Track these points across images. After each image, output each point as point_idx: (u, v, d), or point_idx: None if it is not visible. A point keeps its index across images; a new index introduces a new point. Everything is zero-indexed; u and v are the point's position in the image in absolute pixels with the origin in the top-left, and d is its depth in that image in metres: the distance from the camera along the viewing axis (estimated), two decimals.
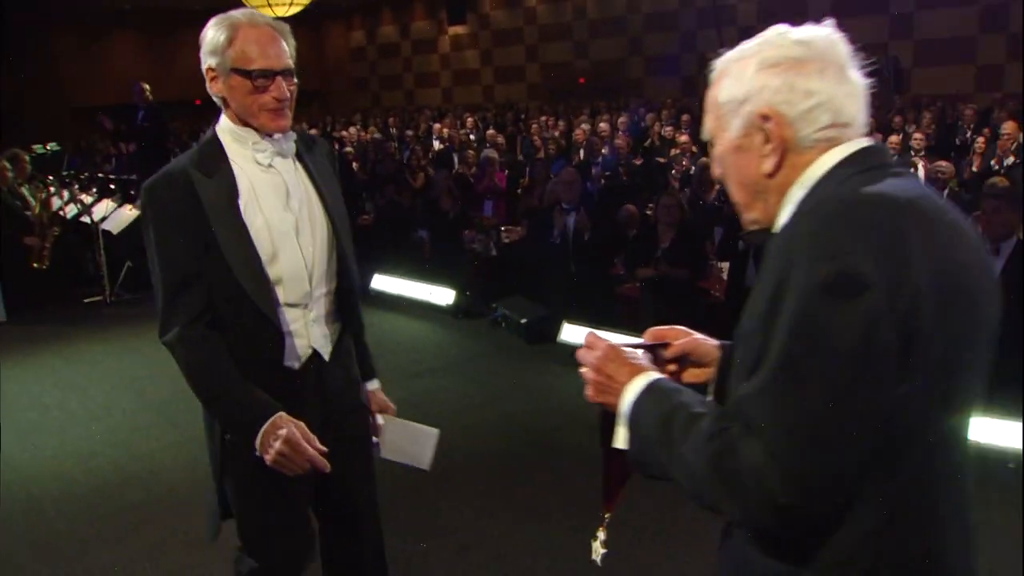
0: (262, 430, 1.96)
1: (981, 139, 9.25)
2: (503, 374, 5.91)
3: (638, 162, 10.18)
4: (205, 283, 2.02)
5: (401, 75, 25.30)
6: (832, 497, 1.12)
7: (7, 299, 7.76)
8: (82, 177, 9.79)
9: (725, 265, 6.20)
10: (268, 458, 1.94)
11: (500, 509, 3.97)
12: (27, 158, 8.74)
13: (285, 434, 1.93)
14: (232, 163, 2.08)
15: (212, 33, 2.01)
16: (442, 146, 13.14)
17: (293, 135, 2.17)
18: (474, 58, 23.19)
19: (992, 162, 8.62)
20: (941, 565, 1.22)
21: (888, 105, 14.01)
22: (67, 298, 8.40)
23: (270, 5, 15.84)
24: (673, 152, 10.27)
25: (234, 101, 2.04)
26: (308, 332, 2.17)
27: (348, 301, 2.29)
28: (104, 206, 8.67)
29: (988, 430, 3.97)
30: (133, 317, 7.66)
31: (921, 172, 8.24)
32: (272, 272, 2.08)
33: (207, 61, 2.03)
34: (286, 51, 2.05)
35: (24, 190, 8.34)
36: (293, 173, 2.16)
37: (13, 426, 5.15)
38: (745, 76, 1.27)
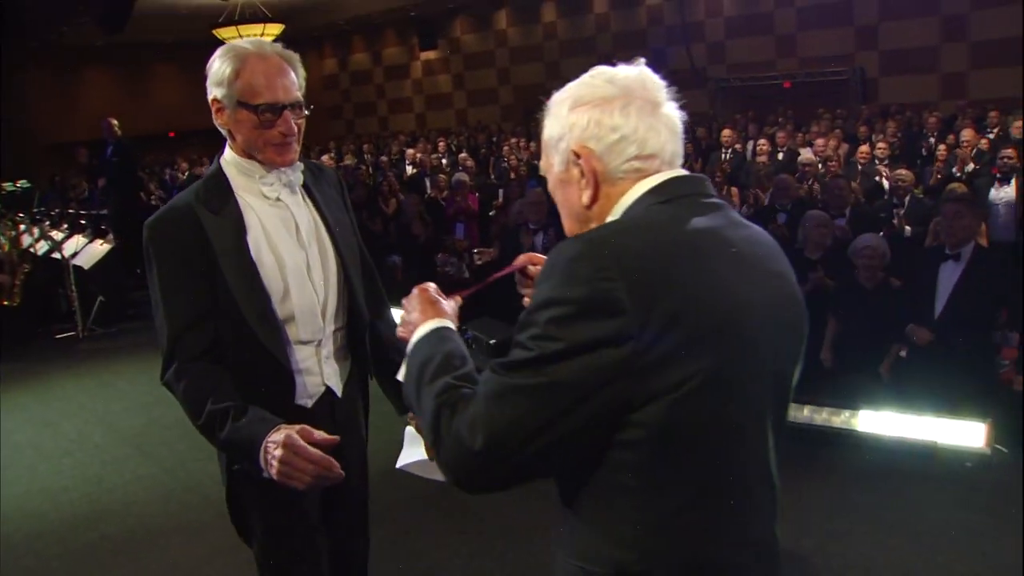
0: (262, 446, 1.82)
1: (943, 147, 9.40)
2: None
3: None
4: (211, 324, 1.95)
5: (375, 101, 25.40)
6: (513, 475, 1.25)
7: None
8: (53, 213, 9.78)
9: None
10: (273, 471, 1.79)
11: (470, 528, 3.99)
12: None
13: (282, 439, 1.78)
14: (238, 197, 2.02)
15: (218, 64, 1.95)
16: (414, 171, 13.20)
17: (300, 165, 2.11)
18: (446, 82, 23.32)
19: (954, 169, 8.75)
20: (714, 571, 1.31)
21: (856, 115, 14.22)
22: (39, 335, 8.39)
23: (241, 36, 15.95)
24: None
25: (240, 134, 1.99)
26: (321, 369, 2.12)
27: (358, 335, 2.22)
28: (75, 242, 8.65)
29: (947, 430, 4.05)
30: (106, 351, 7.67)
31: (885, 181, 8.37)
32: (284, 310, 2.01)
33: (212, 92, 1.96)
34: (295, 83, 2.00)
35: None
36: (301, 206, 2.11)
37: None
38: (561, 115, 1.38)
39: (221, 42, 14.48)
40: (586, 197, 1.37)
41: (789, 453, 4.27)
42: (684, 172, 1.38)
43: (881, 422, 4.18)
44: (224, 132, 2.03)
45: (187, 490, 4.56)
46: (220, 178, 2.03)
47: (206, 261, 1.93)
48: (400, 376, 1.49)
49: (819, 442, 4.41)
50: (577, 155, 1.35)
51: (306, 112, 2.03)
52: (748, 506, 1.33)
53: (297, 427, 1.82)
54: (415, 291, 1.60)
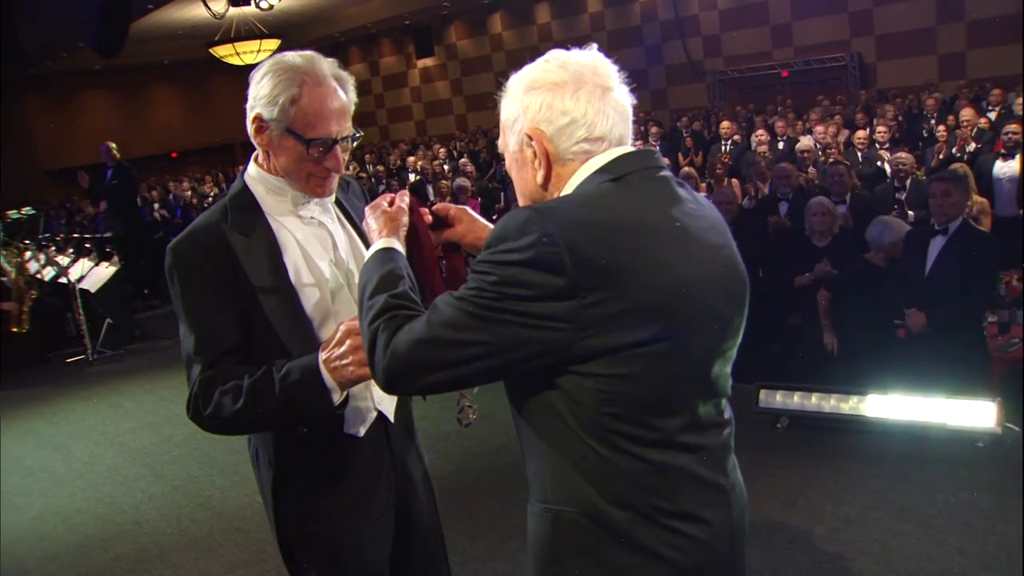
0: (320, 361, 1.71)
1: (942, 128, 9.34)
2: (478, 396, 5.92)
3: None
4: (243, 355, 1.79)
5: (374, 111, 25.45)
6: (421, 390, 1.40)
7: None
8: (58, 239, 9.84)
9: None
10: (352, 367, 1.69)
11: (480, 533, 3.98)
12: None
13: (340, 331, 1.71)
14: (269, 217, 1.86)
15: (271, 85, 1.76)
16: (416, 178, 13.22)
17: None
18: (445, 89, 23.36)
19: (954, 150, 8.70)
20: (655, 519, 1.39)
21: (854, 101, 14.17)
22: (49, 360, 8.46)
23: (238, 53, 16.00)
24: None
25: (281, 159, 1.82)
26: (370, 392, 1.93)
27: None
28: (81, 266, 8.71)
29: (957, 411, 4.02)
30: (115, 373, 7.71)
31: (887, 166, 8.33)
32: (326, 334, 1.82)
33: (257, 108, 1.78)
34: (349, 110, 1.83)
35: None
36: (336, 222, 1.97)
37: None
38: (516, 97, 1.44)
39: (218, 60, 14.47)
40: (539, 177, 1.45)
41: (800, 441, 4.28)
42: (632, 148, 1.44)
43: (889, 406, 4.15)
44: (259, 148, 1.87)
45: (199, 507, 4.56)
46: (247, 196, 1.87)
47: (237, 287, 1.78)
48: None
49: (829, 428, 4.39)
50: (530, 137, 1.43)
51: (355, 143, 1.88)
52: (704, 453, 1.42)
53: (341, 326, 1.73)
54: (381, 203, 1.72)
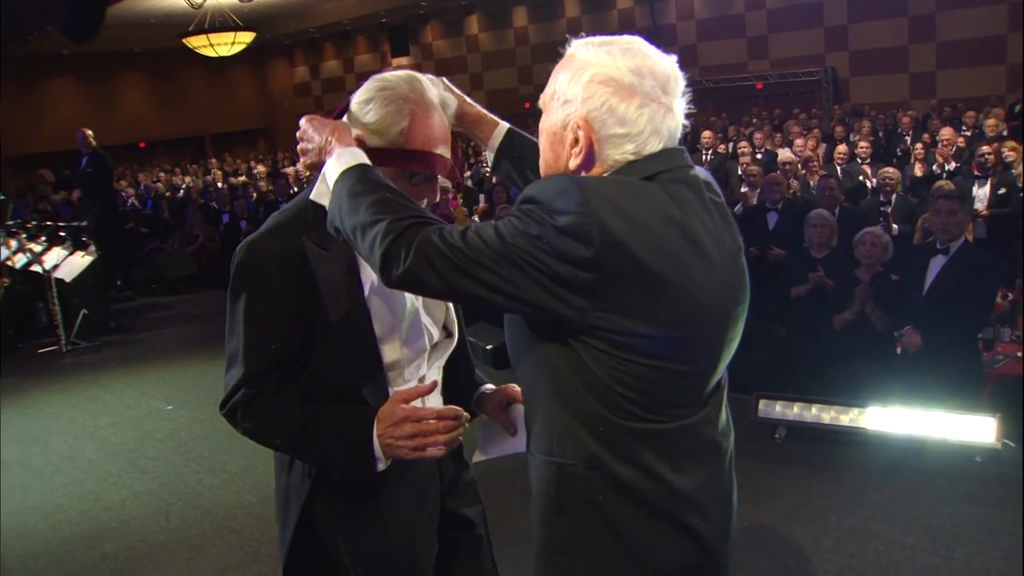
0: (375, 434, 1.68)
1: (919, 145, 9.52)
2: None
3: None
4: (293, 369, 1.75)
5: None
6: (430, 290, 1.43)
7: None
8: (30, 226, 9.60)
9: None
10: (404, 452, 1.67)
11: None
12: None
13: (398, 415, 1.67)
14: None
15: (379, 111, 1.70)
16: None
17: None
18: None
19: (934, 167, 8.87)
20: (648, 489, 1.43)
21: (829, 115, 14.40)
22: (20, 350, 8.21)
23: (212, 45, 15.79)
24: None
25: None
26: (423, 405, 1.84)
27: (460, 370, 2.03)
28: (55, 254, 8.49)
29: (956, 426, 4.06)
30: (91, 365, 7.51)
31: (868, 180, 8.46)
32: (391, 354, 1.79)
33: (361, 132, 1.71)
34: (449, 134, 1.78)
35: None
36: None
37: None
38: (580, 80, 1.40)
39: (189, 51, 14.27)
40: (573, 163, 1.43)
41: (800, 452, 4.29)
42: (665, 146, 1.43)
43: (889, 419, 4.19)
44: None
45: (188, 505, 4.46)
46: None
47: (304, 301, 1.72)
48: (315, 196, 1.65)
49: (827, 440, 4.42)
50: (578, 126, 1.40)
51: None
52: (700, 429, 1.47)
53: (394, 399, 1.70)
54: (307, 117, 1.71)
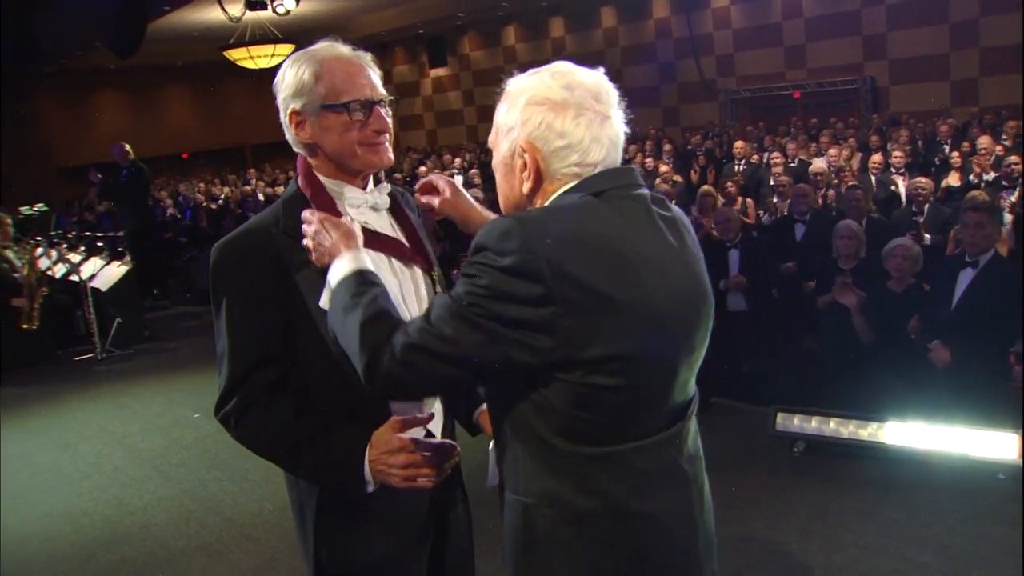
0: (367, 459, 1.70)
1: (956, 154, 9.33)
2: None
3: None
4: (282, 363, 1.78)
5: None
6: (416, 392, 1.63)
7: None
8: (70, 236, 9.84)
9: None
10: (395, 480, 1.69)
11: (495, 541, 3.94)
12: (10, 221, 8.78)
13: (394, 445, 1.69)
14: None
15: (293, 73, 1.77)
16: None
17: (387, 187, 1.93)
18: (457, 99, 23.43)
19: (971, 176, 8.69)
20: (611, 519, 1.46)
21: (867, 124, 14.18)
22: (58, 357, 8.44)
23: (252, 57, 16.04)
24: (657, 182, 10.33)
25: (328, 142, 1.79)
26: (421, 404, 1.87)
27: None
28: (92, 264, 8.71)
29: (978, 442, 3.98)
30: (123, 373, 7.68)
31: (902, 188, 8.32)
32: None
33: (290, 104, 1.78)
34: (377, 78, 1.83)
35: (9, 252, 8.36)
36: (391, 231, 1.91)
37: (6, 488, 5.14)
38: (517, 106, 1.46)
39: (231, 63, 14.52)
40: (526, 188, 1.50)
41: (817, 467, 4.24)
42: (615, 166, 1.49)
43: (909, 434, 4.12)
44: (303, 149, 1.85)
45: (208, 511, 4.53)
46: (300, 202, 1.82)
47: (283, 293, 1.75)
48: (323, 303, 1.67)
49: (846, 455, 4.35)
50: (524, 149, 1.47)
51: (395, 100, 1.87)
52: (661, 450, 1.49)
53: (391, 426, 1.71)
54: (317, 216, 1.72)
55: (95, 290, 8.33)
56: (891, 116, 14.96)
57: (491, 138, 1.57)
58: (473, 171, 13.64)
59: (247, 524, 4.34)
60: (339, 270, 1.63)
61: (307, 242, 1.71)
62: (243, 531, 4.28)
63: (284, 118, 1.81)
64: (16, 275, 8.12)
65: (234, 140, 23.32)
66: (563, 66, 1.49)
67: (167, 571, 3.98)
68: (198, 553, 4.12)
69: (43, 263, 8.88)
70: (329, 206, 1.82)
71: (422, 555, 1.97)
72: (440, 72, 23.54)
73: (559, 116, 1.43)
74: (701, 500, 1.57)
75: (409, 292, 1.89)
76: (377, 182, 1.93)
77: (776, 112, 16.99)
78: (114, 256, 8.88)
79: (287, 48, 16.35)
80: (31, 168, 18.71)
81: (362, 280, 1.60)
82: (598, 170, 1.47)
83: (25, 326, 7.97)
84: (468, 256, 1.42)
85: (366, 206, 1.87)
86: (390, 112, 1.84)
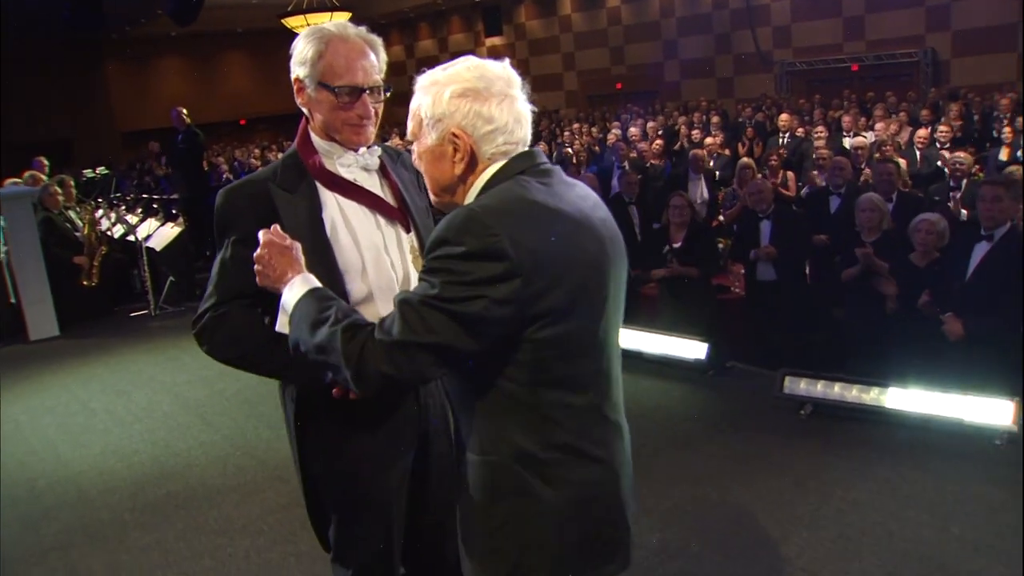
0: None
1: (1008, 129, 9.15)
2: None
3: (659, 163, 10.20)
4: (263, 303, 1.99)
5: None
6: (407, 385, 1.91)
7: (60, 315, 8.24)
8: (128, 198, 10.27)
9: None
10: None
11: None
12: (72, 183, 9.22)
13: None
14: (315, 179, 2.06)
15: (303, 45, 1.99)
16: None
17: (378, 149, 2.14)
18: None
19: (1019, 152, 8.54)
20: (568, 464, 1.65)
21: (924, 98, 13.88)
22: (115, 312, 8.92)
23: (309, 25, 16.32)
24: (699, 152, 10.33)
25: (319, 113, 2.03)
26: None
27: None
28: (148, 225, 9.12)
29: (975, 408, 4.08)
30: (174, 328, 8.10)
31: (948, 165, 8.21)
32: (361, 289, 2.04)
33: (296, 71, 2.01)
34: (375, 66, 2.02)
35: (72, 213, 8.81)
36: (379, 189, 2.13)
37: (65, 429, 5.57)
38: (442, 100, 1.63)
39: (289, 31, 14.88)
40: (458, 169, 1.66)
41: (821, 429, 4.38)
42: (525, 149, 1.69)
43: (909, 399, 4.23)
44: (304, 112, 2.08)
45: (244, 455, 4.86)
46: (296, 159, 2.08)
47: None
48: (280, 328, 1.81)
49: (851, 418, 4.49)
50: (456, 136, 1.63)
51: (386, 94, 2.06)
52: (605, 397, 1.71)
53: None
54: (267, 240, 1.87)
55: (150, 250, 8.75)
56: (950, 90, 14.62)
57: (411, 130, 1.71)
58: None
59: (279, 467, 4.64)
60: (293, 293, 1.77)
61: (256, 267, 1.86)
62: (275, 473, 4.58)
63: (293, 81, 2.03)
64: (78, 234, 8.57)
65: (291, 106, 23.30)
66: (472, 60, 1.67)
67: (205, 505, 4.31)
68: (233, 491, 4.44)
69: (103, 224, 9.34)
70: (319, 167, 2.07)
71: (406, 456, 2.18)
72: (495, 41, 23.61)
73: (484, 104, 1.61)
74: (626, 444, 1.79)
75: (392, 245, 2.11)
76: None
77: (832, 85, 16.68)
78: (168, 218, 9.27)
79: (344, 16, 16.58)
80: (95, 133, 19.36)
81: (321, 296, 1.74)
82: (519, 148, 1.66)
83: (85, 283, 8.42)
84: (428, 251, 1.55)
85: (356, 166, 2.09)
86: (381, 98, 2.05)
